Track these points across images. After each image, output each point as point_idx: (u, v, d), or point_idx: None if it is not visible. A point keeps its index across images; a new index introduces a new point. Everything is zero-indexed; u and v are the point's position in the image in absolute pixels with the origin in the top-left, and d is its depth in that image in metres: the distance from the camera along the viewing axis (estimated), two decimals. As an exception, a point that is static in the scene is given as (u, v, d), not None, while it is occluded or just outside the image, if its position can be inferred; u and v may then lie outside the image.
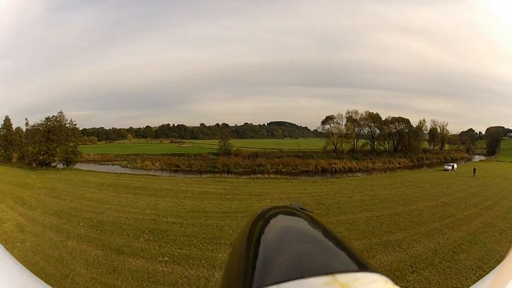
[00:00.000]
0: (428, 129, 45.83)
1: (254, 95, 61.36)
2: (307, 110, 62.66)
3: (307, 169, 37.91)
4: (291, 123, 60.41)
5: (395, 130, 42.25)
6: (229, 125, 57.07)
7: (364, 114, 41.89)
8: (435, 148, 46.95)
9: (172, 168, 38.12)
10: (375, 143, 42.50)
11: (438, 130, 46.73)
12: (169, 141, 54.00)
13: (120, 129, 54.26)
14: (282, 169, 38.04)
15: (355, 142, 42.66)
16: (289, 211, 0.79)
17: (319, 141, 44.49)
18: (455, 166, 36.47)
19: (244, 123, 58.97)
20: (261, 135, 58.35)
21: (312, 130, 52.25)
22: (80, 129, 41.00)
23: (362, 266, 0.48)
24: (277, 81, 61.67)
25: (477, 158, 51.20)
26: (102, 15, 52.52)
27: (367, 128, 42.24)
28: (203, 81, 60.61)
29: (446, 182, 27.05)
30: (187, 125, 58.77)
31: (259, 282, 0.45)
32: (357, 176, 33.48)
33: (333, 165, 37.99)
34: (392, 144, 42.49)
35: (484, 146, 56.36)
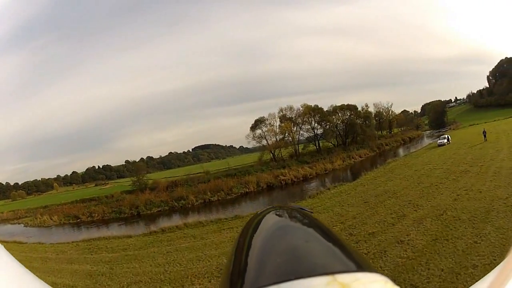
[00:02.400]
0: (373, 114, 41.30)
1: (176, 122, 55.42)
2: (231, 129, 60.11)
3: (247, 190, 28.32)
4: (215, 144, 55.63)
5: (339, 121, 36.19)
6: (154, 157, 51.70)
7: (301, 108, 34.45)
8: (383, 133, 43.03)
9: (71, 221, 28.63)
10: (320, 140, 35.83)
11: (384, 114, 42.99)
12: (94, 185, 47.29)
13: (48, 179, 47.75)
14: (212, 198, 27.69)
15: (297, 144, 35.15)
16: (289, 211, 0.80)
17: (248, 156, 37.39)
18: (449, 137, 33.37)
19: (169, 153, 53.74)
20: (187, 162, 52.89)
21: (238, 147, 48.26)
22: (12, 184, 38.89)
23: (362, 266, 0.48)
24: (196, 104, 58.84)
25: (428, 132, 49.42)
26: (23, 61, 42.46)
27: (307, 125, 34.91)
28: (123, 116, 53.26)
29: (475, 156, 21.54)
30: (112, 165, 52.33)
31: (259, 282, 0.45)
32: (341, 185, 23.56)
33: (281, 177, 29.25)
34: (340, 137, 36.34)
35: (426, 122, 55.11)
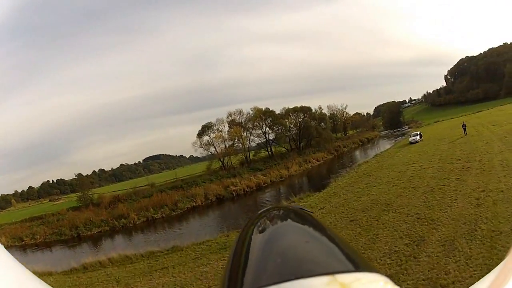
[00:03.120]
0: (327, 116, 39.89)
1: (127, 133, 56.82)
2: (181, 138, 60.51)
3: (194, 204, 25.60)
4: (166, 154, 56.27)
5: (292, 125, 33.93)
6: (106, 169, 53.22)
7: (251, 112, 32.43)
8: (338, 135, 41.60)
9: (17, 243, 26.18)
10: (272, 145, 33.65)
11: (338, 116, 42.02)
12: (48, 200, 47.87)
13: (7, 194, 48.53)
14: (155, 215, 24.96)
15: (247, 151, 32.82)
16: (289, 211, 0.80)
17: (198, 165, 35.15)
18: (422, 134, 30.20)
19: (120, 165, 54.83)
20: (138, 173, 53.08)
21: (188, 157, 48.21)
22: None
23: (362, 266, 0.48)
24: (147, 114, 57.50)
25: (384, 133, 49.90)
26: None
27: (258, 129, 32.75)
28: (75, 128, 52.07)
29: (465, 151, 18.98)
30: (66, 179, 52.62)
31: (259, 282, 0.45)
32: (308, 196, 18.98)
33: (232, 187, 26.65)
34: (294, 142, 34.14)
35: (381, 122, 56.94)
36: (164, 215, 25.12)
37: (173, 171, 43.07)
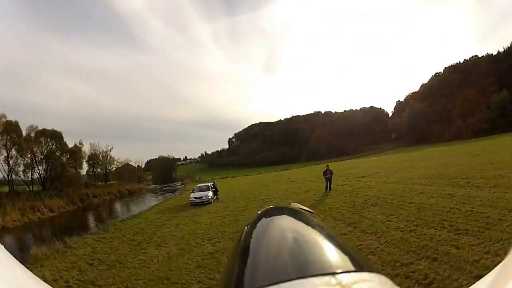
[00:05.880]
0: (87, 155, 33.74)
1: None
2: None
3: None
4: None
5: (42, 156, 27.08)
6: None
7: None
8: (97, 182, 34.48)
9: None
10: (12, 177, 26.92)
11: (101, 157, 35.05)
12: None
13: None
14: None
15: None
16: (290, 211, 0.79)
17: None
18: (217, 189, 20.34)
19: None
20: None
21: None
22: None
23: (362, 266, 0.48)
24: None
25: (152, 187, 48.44)
26: None
27: (3, 151, 26.39)
28: None
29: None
30: None
31: (259, 282, 0.45)
32: None
33: None
34: (39, 178, 27.58)
35: (151, 177, 56.63)
36: None
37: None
